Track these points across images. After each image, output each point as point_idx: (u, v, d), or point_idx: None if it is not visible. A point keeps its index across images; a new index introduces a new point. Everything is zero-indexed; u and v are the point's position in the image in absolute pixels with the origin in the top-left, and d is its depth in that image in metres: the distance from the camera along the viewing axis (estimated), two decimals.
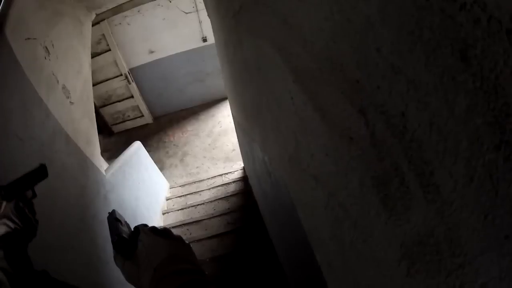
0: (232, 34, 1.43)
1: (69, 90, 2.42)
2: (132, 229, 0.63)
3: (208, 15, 2.74)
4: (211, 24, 2.66)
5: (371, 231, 0.55)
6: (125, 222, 0.65)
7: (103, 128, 6.31)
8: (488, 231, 0.29)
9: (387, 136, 0.41)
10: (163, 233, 0.60)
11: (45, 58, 2.14)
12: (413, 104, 0.34)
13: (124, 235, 0.60)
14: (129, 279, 0.57)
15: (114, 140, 6.41)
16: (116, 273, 2.20)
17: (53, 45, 2.26)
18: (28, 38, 1.96)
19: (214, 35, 2.70)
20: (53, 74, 2.21)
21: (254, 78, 1.20)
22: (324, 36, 0.48)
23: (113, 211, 0.66)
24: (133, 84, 5.97)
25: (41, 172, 0.90)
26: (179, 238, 0.60)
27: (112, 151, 5.78)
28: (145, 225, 0.62)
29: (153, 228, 0.61)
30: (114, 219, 0.63)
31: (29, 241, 0.78)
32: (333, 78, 0.50)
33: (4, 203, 0.78)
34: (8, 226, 0.73)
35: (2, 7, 1.76)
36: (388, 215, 0.46)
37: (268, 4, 0.72)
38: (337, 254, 0.80)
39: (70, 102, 2.40)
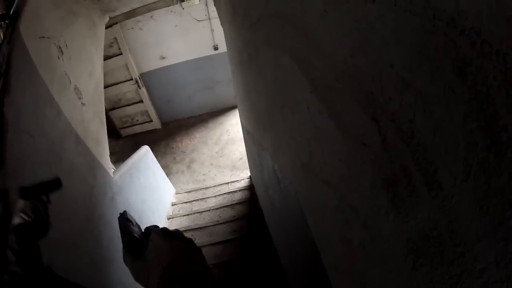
0: (247, 44, 1.47)
1: (81, 91, 2.41)
2: (143, 230, 0.63)
3: (221, 23, 2.77)
4: (224, 33, 2.70)
5: (380, 230, 0.59)
6: (136, 223, 0.66)
7: (111, 131, 6.27)
8: (483, 220, 0.33)
9: (397, 141, 0.46)
10: (174, 234, 0.60)
11: (58, 57, 2.13)
12: (420, 113, 0.39)
13: (135, 235, 0.60)
14: (138, 278, 0.57)
15: (121, 144, 6.45)
16: (118, 274, 2.21)
17: (66, 45, 2.26)
18: (42, 37, 1.95)
19: (227, 44, 2.71)
20: (66, 74, 2.20)
21: (268, 88, 1.23)
22: (343, 51, 0.54)
23: (124, 212, 0.67)
24: (143, 89, 5.99)
25: (55, 183, 1.03)
26: (189, 241, 0.60)
27: (119, 154, 5.78)
28: (156, 226, 0.63)
29: (164, 229, 0.62)
30: (125, 219, 0.64)
31: (40, 237, 0.89)
32: (350, 89, 0.55)
33: (22, 202, 0.91)
34: (23, 218, 0.86)
35: (16, 4, 1.77)
36: (396, 213, 0.51)
37: (289, 18, 0.77)
38: (345, 256, 0.83)
39: (81, 102, 2.40)
